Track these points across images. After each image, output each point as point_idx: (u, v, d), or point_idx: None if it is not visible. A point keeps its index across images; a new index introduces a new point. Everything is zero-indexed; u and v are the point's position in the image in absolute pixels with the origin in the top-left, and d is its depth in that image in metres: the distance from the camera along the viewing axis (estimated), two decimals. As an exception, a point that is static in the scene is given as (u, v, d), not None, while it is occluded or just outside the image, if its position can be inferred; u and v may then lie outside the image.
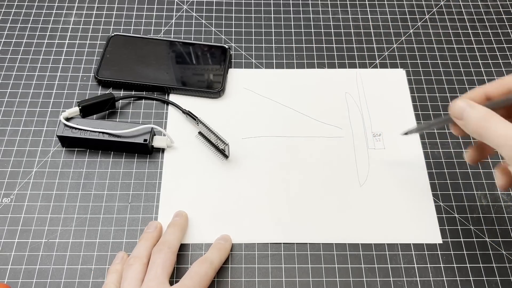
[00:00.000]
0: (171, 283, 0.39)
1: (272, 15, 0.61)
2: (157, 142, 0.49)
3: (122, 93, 0.54)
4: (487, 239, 0.46)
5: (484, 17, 0.62)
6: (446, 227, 0.46)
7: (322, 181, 0.49)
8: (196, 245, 0.45)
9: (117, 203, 0.47)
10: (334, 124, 0.52)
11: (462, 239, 0.46)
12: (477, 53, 0.58)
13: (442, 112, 0.53)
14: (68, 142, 0.49)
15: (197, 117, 0.50)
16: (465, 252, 0.45)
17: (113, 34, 0.57)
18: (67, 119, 0.49)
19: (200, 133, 0.51)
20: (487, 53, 0.58)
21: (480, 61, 0.58)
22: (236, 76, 0.56)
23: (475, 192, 0.48)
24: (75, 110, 0.50)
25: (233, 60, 0.57)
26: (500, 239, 0.46)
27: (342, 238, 0.45)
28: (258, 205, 0.47)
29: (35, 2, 0.61)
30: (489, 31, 0.60)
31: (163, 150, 0.50)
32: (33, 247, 0.44)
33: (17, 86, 0.54)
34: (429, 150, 0.51)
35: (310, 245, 0.45)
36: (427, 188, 0.48)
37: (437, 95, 0.55)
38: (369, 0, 0.63)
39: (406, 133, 0.48)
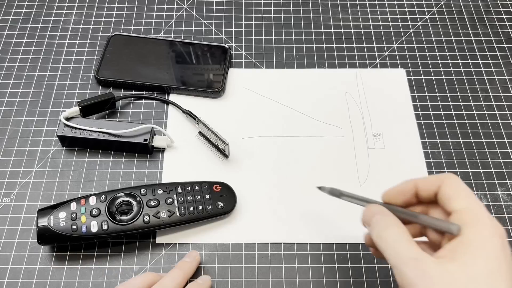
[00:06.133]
0: None
1: (272, 15, 0.61)
2: (157, 142, 0.49)
3: (122, 93, 0.54)
4: (487, 239, 0.46)
5: (484, 16, 0.62)
6: (446, 227, 0.46)
7: (322, 181, 0.48)
8: (195, 244, 0.45)
9: (117, 203, 0.47)
10: (334, 124, 0.52)
11: (462, 239, 0.46)
12: (477, 53, 0.58)
13: (442, 112, 0.53)
14: (68, 142, 0.49)
15: (197, 117, 0.50)
16: (465, 252, 0.45)
17: (113, 34, 0.57)
18: (67, 119, 0.49)
19: (200, 133, 0.51)
20: (487, 53, 0.58)
21: (480, 61, 0.58)
22: (236, 76, 0.56)
23: (475, 192, 0.48)
24: (75, 110, 0.50)
25: (233, 60, 0.57)
26: (500, 239, 0.46)
27: (342, 238, 0.45)
28: (258, 205, 0.47)
29: (35, 2, 0.61)
30: (489, 30, 0.60)
31: (163, 150, 0.50)
32: (33, 247, 0.44)
33: (17, 86, 0.54)
34: (429, 150, 0.51)
35: (310, 245, 0.45)
36: (427, 188, 0.48)
37: (437, 95, 0.55)
38: (369, -1, 0.63)
39: (319, 188, 0.42)
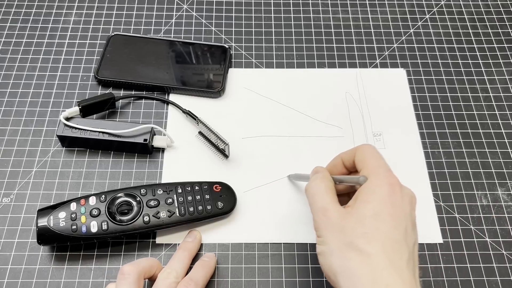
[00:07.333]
0: None
1: (272, 15, 0.61)
2: (157, 142, 0.49)
3: (122, 92, 0.54)
4: (488, 239, 0.46)
5: (485, 16, 0.62)
6: (447, 227, 0.46)
7: (322, 181, 0.48)
8: (196, 245, 0.45)
9: (117, 203, 0.47)
10: (334, 124, 0.52)
11: (462, 239, 0.46)
12: (477, 53, 0.58)
13: (442, 112, 0.53)
14: (68, 142, 0.49)
15: (197, 117, 0.50)
16: (465, 252, 0.45)
17: (113, 34, 0.57)
18: (67, 119, 0.49)
19: (200, 133, 0.51)
20: (488, 53, 0.58)
21: (480, 61, 0.58)
22: (236, 76, 0.56)
23: (475, 192, 0.48)
24: (75, 109, 0.50)
25: (233, 60, 0.57)
26: (500, 239, 0.46)
27: (342, 238, 0.45)
28: (258, 205, 0.47)
29: (35, 2, 0.61)
30: (490, 30, 0.60)
31: (163, 150, 0.50)
32: (33, 247, 0.44)
33: (17, 86, 0.54)
34: (429, 150, 0.51)
35: (310, 245, 0.45)
36: (427, 188, 0.48)
37: (438, 94, 0.55)
38: (370, -1, 0.63)
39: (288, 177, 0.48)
